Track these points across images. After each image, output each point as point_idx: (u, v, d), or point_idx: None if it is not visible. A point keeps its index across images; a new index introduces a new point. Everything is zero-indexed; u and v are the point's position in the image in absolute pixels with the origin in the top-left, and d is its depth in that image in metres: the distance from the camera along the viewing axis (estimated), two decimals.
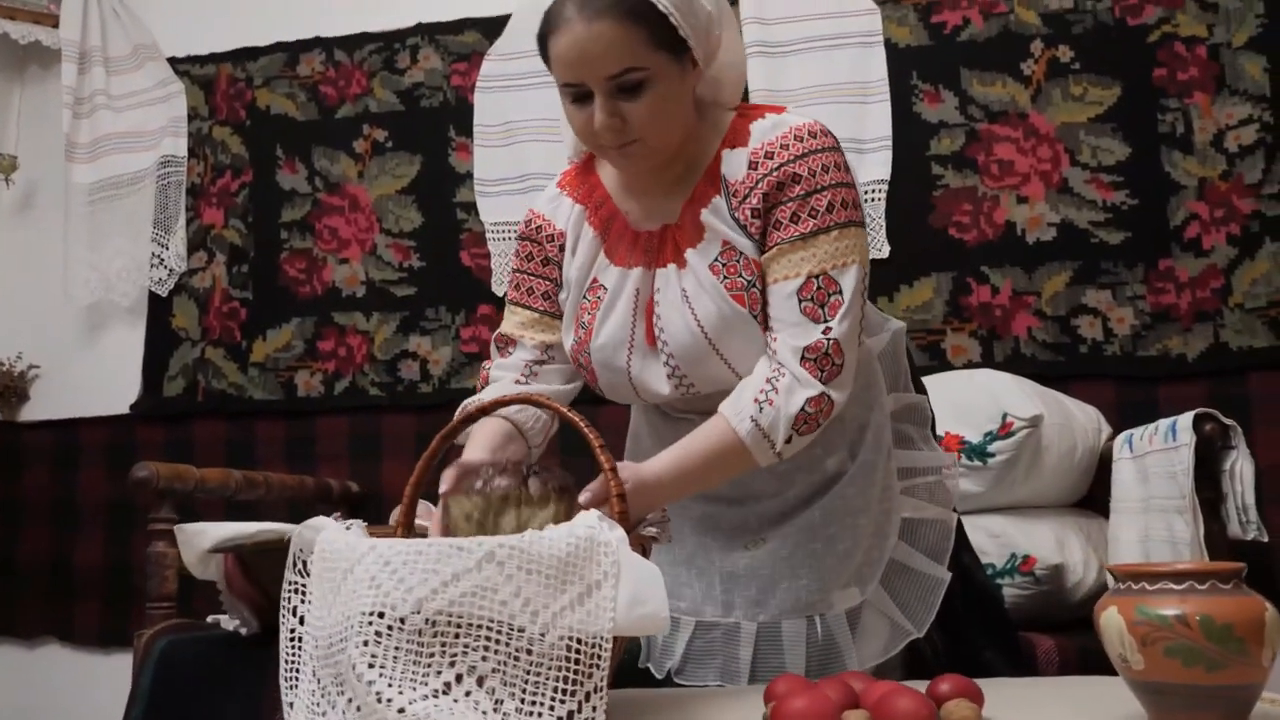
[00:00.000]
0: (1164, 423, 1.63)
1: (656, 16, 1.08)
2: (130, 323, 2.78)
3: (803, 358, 1.10)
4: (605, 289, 1.22)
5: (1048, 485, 1.86)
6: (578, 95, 1.12)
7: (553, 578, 0.90)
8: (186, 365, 2.73)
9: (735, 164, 1.17)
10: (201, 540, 1.68)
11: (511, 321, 1.30)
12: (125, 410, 2.73)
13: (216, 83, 2.82)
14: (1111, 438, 1.93)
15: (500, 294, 2.55)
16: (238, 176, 2.78)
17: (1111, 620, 0.90)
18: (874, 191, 2.38)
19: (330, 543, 0.95)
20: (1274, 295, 2.17)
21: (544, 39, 1.13)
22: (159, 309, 2.76)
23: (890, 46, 2.43)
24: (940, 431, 1.84)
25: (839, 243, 1.12)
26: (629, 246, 1.22)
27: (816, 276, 1.12)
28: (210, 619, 1.92)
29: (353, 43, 2.74)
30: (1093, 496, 1.98)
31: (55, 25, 2.81)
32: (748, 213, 1.15)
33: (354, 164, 2.71)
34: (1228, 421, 1.57)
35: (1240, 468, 1.53)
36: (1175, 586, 0.87)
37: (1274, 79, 2.24)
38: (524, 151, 2.58)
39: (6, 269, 2.90)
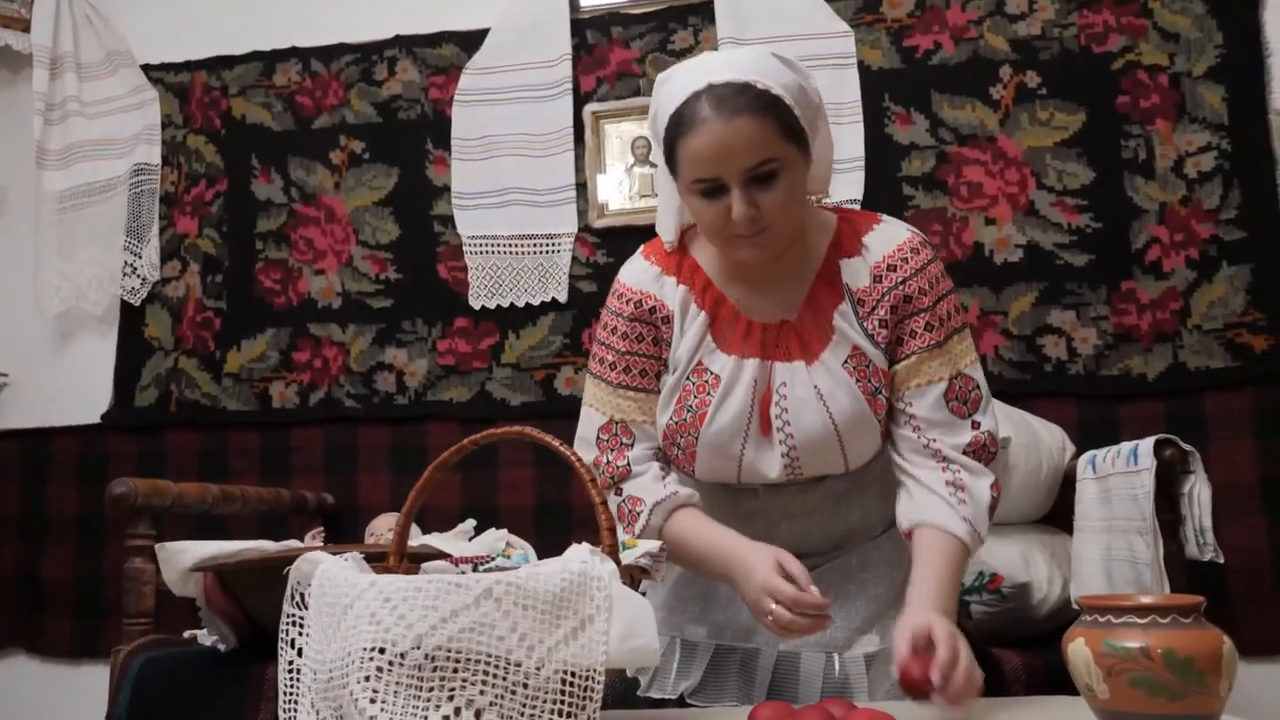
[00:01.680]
0: (1126, 446, 1.69)
1: (784, 109, 1.15)
2: (102, 332, 2.76)
3: (965, 452, 1.23)
4: (716, 375, 1.26)
5: (1014, 503, 1.91)
6: (710, 190, 1.17)
7: (547, 613, 0.92)
8: (159, 375, 2.71)
9: (855, 273, 1.26)
10: (183, 559, 1.68)
11: (628, 408, 1.30)
12: (96, 420, 2.71)
13: (191, 91, 2.81)
14: (1075, 456, 1.99)
15: (477, 307, 2.57)
16: (212, 185, 2.77)
17: (1079, 651, 0.95)
18: None
19: (329, 577, 0.97)
20: (1230, 318, 2.25)
21: (675, 140, 1.17)
22: (131, 318, 2.75)
23: (864, 69, 2.48)
24: None
25: (963, 343, 1.26)
26: (742, 336, 1.27)
27: (955, 378, 1.24)
28: (187, 634, 1.92)
29: (330, 53, 2.74)
30: (1056, 513, 2.04)
31: (26, 30, 2.78)
32: (875, 323, 1.25)
33: (330, 175, 2.71)
34: (1187, 447, 1.63)
35: (1198, 492, 1.59)
36: (1139, 620, 0.92)
37: (1232, 108, 2.31)
38: (501, 165, 2.60)
39: None
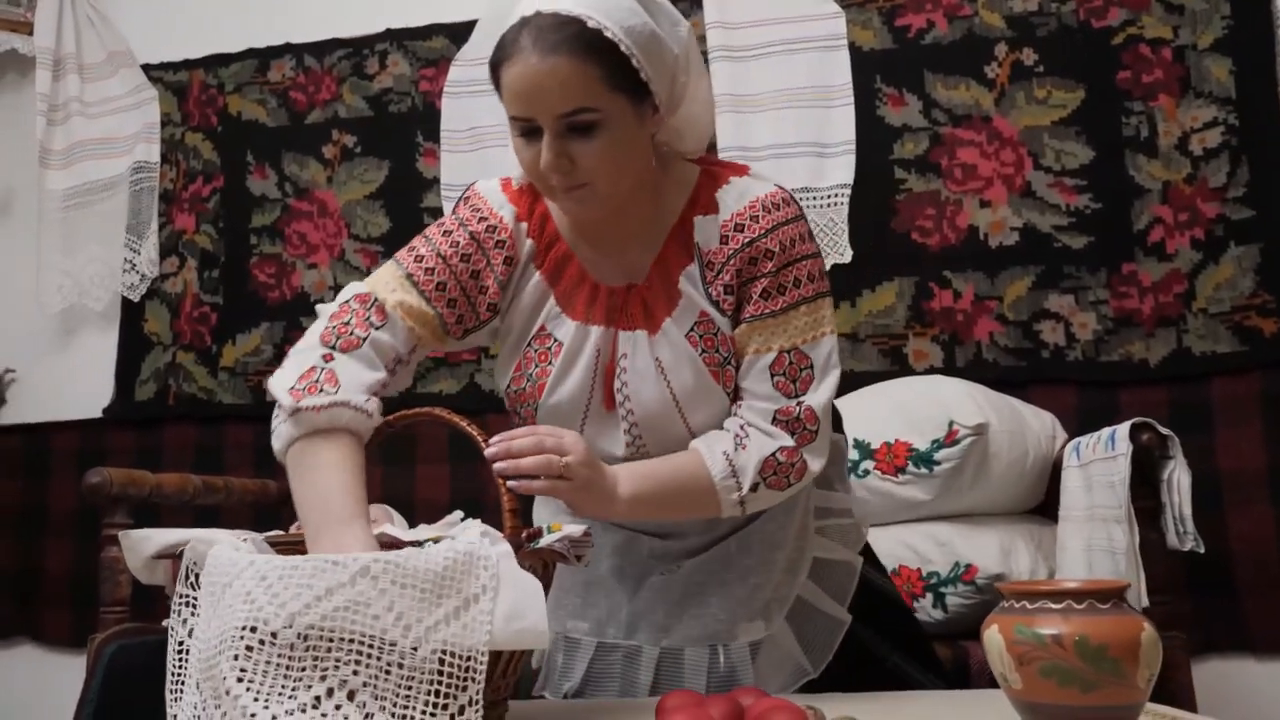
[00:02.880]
0: (1106, 431, 1.62)
1: (618, 56, 1.02)
2: (103, 328, 2.80)
3: (774, 419, 1.11)
4: (559, 343, 1.16)
5: (997, 493, 1.85)
6: (526, 130, 1.07)
7: (428, 591, 0.90)
8: (158, 370, 2.74)
9: (708, 233, 1.14)
10: (145, 546, 1.68)
11: (401, 300, 1.12)
12: (97, 414, 2.74)
13: (189, 89, 2.84)
14: (1066, 444, 1.91)
15: None
16: (209, 182, 2.79)
17: (992, 639, 0.90)
18: (837, 196, 2.37)
19: (216, 557, 0.95)
20: (1238, 300, 2.15)
21: (496, 66, 1.08)
22: (131, 314, 2.78)
23: (854, 50, 2.42)
24: (890, 438, 1.84)
25: (810, 316, 1.12)
26: (587, 300, 1.16)
27: (788, 351, 1.12)
28: (165, 623, 1.93)
29: (322, 49, 2.75)
30: (1049, 503, 1.97)
31: (30, 33, 2.83)
32: (720, 289, 1.13)
33: (323, 169, 2.71)
34: (1165, 431, 1.55)
35: (1178, 478, 1.51)
36: (1054, 606, 0.87)
37: (1239, 81, 2.21)
38: (491, 157, 2.57)
39: None
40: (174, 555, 1.70)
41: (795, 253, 1.13)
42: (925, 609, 1.72)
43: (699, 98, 1.18)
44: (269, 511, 2.48)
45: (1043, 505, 2.00)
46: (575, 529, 1.13)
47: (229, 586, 0.91)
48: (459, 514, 2.33)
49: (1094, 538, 1.61)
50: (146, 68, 2.85)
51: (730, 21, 2.46)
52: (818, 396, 1.12)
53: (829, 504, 1.26)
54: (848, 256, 2.35)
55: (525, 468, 1.03)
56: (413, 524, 2.51)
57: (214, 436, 2.68)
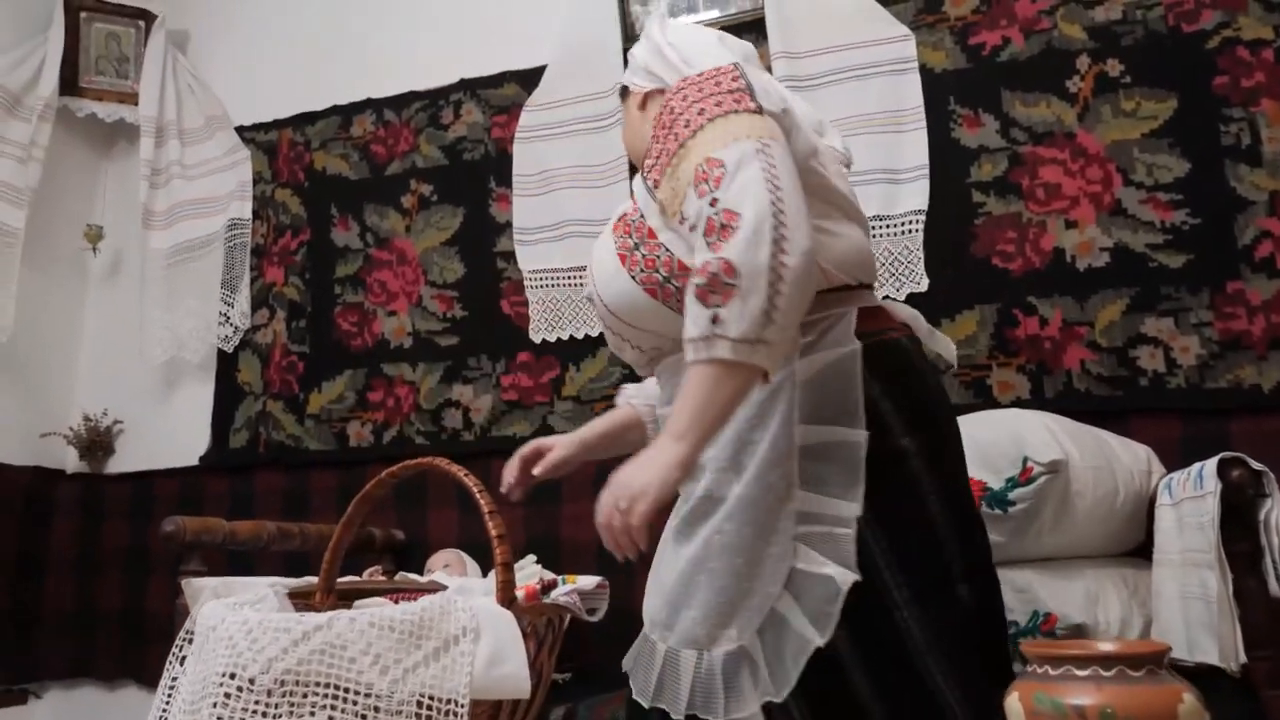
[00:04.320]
0: (1196, 467, 1.47)
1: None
2: (200, 378, 2.92)
3: (699, 250, 1.07)
4: None
5: (1084, 534, 1.70)
6: None
7: (406, 634, 0.87)
8: (250, 418, 2.84)
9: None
10: (206, 594, 1.72)
11: None
12: (195, 462, 2.85)
13: (278, 147, 2.96)
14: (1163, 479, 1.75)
15: (538, 341, 2.56)
16: (296, 235, 2.90)
17: (1012, 708, 0.81)
18: (911, 223, 2.27)
19: (210, 607, 0.94)
20: None
21: None
22: (226, 365, 2.89)
23: (926, 72, 2.33)
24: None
25: (714, 132, 1.10)
26: None
27: (699, 166, 1.10)
28: None
29: (401, 102, 2.83)
30: (1147, 545, 1.80)
31: (137, 104, 3.01)
32: (648, 167, 1.20)
33: (402, 219, 2.78)
34: (1258, 467, 1.39)
35: (1276, 518, 1.35)
36: (1079, 672, 0.77)
37: None
38: (560, 199, 2.59)
39: (97, 331, 3.10)
40: None
41: (695, 95, 1.15)
42: None
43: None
44: (348, 556, 2.51)
45: (1141, 546, 1.84)
46: (588, 581, 1.09)
47: (213, 630, 0.90)
48: (532, 557, 2.30)
49: (1188, 584, 1.46)
50: (240, 129, 3.00)
51: (795, 51, 2.41)
52: (730, 191, 1.06)
53: (819, 509, 1.12)
54: (924, 285, 2.24)
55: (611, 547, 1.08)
56: (487, 569, 2.50)
57: (300, 481, 2.75)
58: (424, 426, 2.64)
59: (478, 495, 0.98)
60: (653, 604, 1.16)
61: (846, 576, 1.09)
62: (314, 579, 1.96)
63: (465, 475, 1.00)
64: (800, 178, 1.10)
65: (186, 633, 0.98)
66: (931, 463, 1.16)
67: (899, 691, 1.09)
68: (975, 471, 1.70)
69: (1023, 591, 1.62)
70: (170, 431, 2.93)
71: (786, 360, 1.12)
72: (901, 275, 2.26)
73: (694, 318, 1.05)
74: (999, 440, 1.72)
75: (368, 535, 2.48)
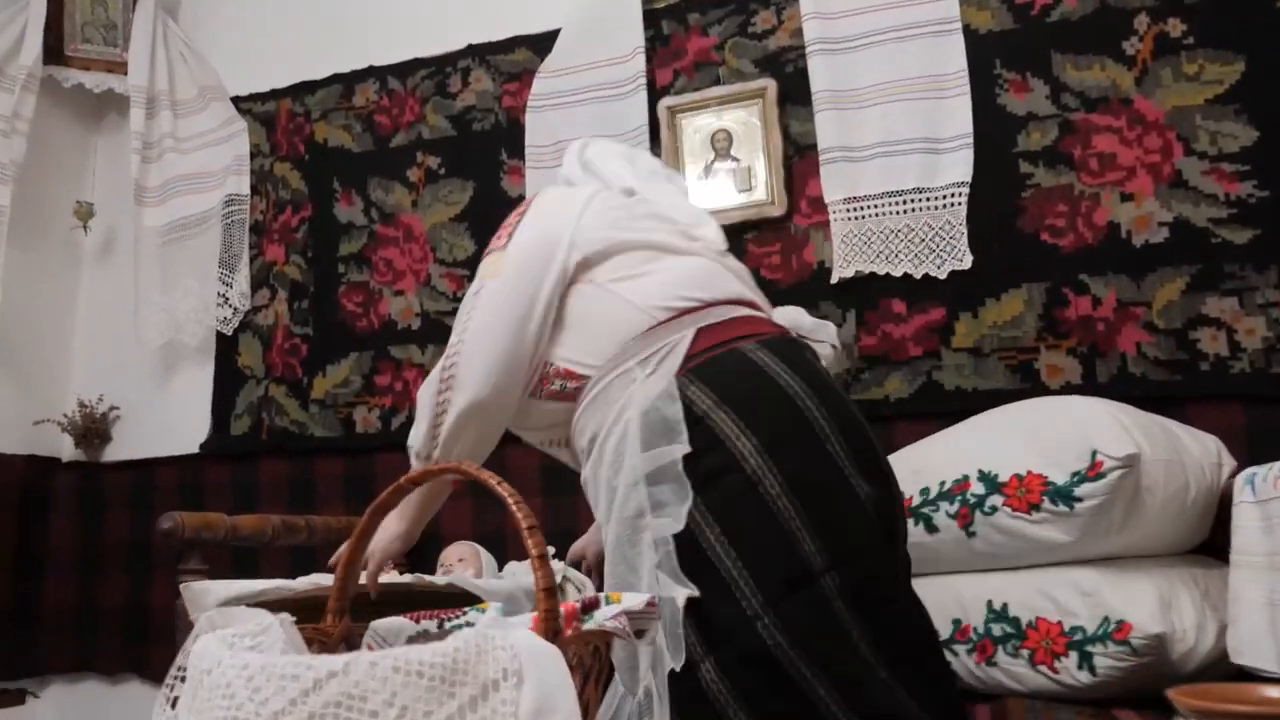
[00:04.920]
0: None
1: None
2: (199, 362, 2.79)
3: None
4: None
5: (1153, 532, 1.57)
6: None
7: (437, 680, 0.74)
8: (252, 404, 2.71)
9: None
10: (205, 599, 1.61)
11: None
12: (195, 450, 2.73)
13: (277, 118, 2.81)
14: (1236, 472, 1.62)
15: None
16: (297, 211, 2.76)
17: None
18: (953, 195, 2.13)
19: (206, 643, 0.81)
20: None
21: None
22: (225, 348, 2.76)
23: (969, 33, 2.18)
24: (1021, 470, 1.60)
25: (481, 269, 1.37)
26: None
27: None
28: None
29: (405, 69, 2.68)
30: (1216, 542, 1.68)
31: (126, 73, 2.85)
32: None
33: (408, 193, 2.64)
34: None
35: None
36: None
37: None
38: None
39: (91, 313, 2.97)
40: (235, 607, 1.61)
41: (500, 232, 1.39)
42: (1069, 670, 1.47)
43: None
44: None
45: (1205, 543, 1.72)
46: (635, 600, 0.97)
47: (208, 673, 0.78)
48: (551, 550, 2.18)
49: (1277, 590, 1.34)
50: (236, 100, 2.85)
51: (829, 11, 2.26)
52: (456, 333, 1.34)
53: (664, 532, 1.17)
54: (967, 262, 2.11)
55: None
56: (503, 561, 2.38)
57: (305, 469, 2.62)
58: None
59: (501, 490, 0.85)
60: None
61: (681, 596, 1.13)
62: (322, 578, 1.84)
63: (499, 485, 0.87)
64: (543, 287, 1.32)
65: (178, 669, 0.85)
66: (775, 461, 1.17)
67: (769, 700, 1.11)
68: (1034, 464, 1.59)
69: (1089, 595, 1.50)
70: (169, 418, 2.80)
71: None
72: (943, 251, 2.13)
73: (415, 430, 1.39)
74: (1060, 430, 1.60)
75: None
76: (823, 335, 1.46)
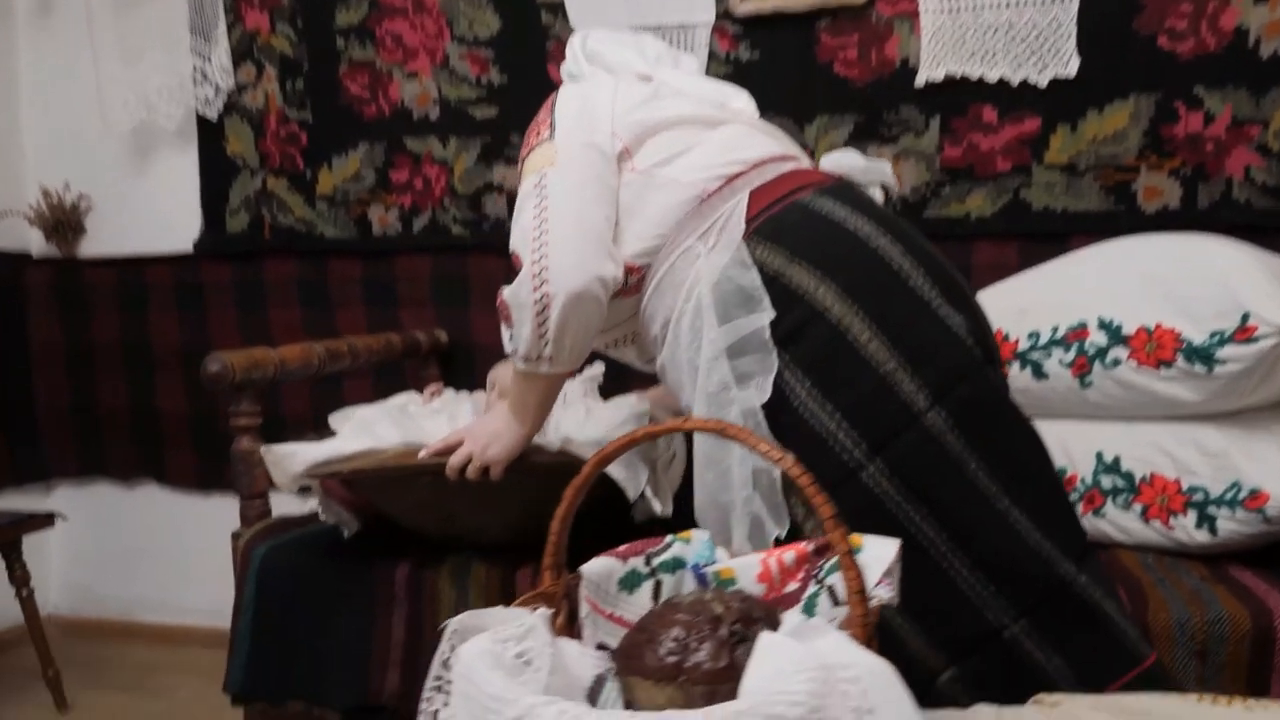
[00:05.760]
0: None
1: None
2: (180, 148, 2.48)
3: None
4: None
5: None
6: None
7: None
8: (248, 198, 2.44)
9: None
10: (291, 464, 1.49)
11: None
12: (188, 248, 2.49)
13: None
14: None
15: None
16: None
17: None
18: None
19: (479, 674, 0.70)
20: None
21: None
22: (210, 133, 2.45)
23: None
24: (1150, 322, 1.53)
25: (525, 169, 1.32)
26: None
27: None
28: (316, 511, 1.77)
29: None
30: None
31: None
32: None
33: None
34: None
35: None
36: None
37: None
38: None
39: (38, 88, 2.58)
40: (323, 476, 1.50)
41: (533, 126, 1.37)
42: (1185, 529, 1.48)
43: None
44: (392, 366, 2.27)
45: None
46: (884, 549, 0.87)
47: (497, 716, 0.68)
48: (600, 367, 2.06)
49: None
50: None
51: None
52: (514, 233, 1.29)
53: (753, 404, 1.17)
54: (1073, 68, 1.91)
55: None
56: (475, 373, 2.23)
57: (316, 271, 2.42)
58: (461, 214, 2.30)
59: (783, 463, 0.74)
60: None
61: (777, 468, 1.09)
62: (381, 421, 1.72)
63: (778, 457, 0.75)
64: (601, 165, 1.29)
65: (437, 680, 0.75)
66: (859, 305, 1.15)
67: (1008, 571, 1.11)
68: (1166, 317, 1.51)
69: (1214, 456, 1.48)
70: (151, 211, 2.53)
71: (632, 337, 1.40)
72: (1046, 55, 1.92)
73: (503, 334, 1.33)
74: (1200, 282, 1.50)
75: (413, 341, 2.22)
76: (874, 177, 1.43)
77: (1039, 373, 1.63)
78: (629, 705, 0.77)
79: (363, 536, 1.65)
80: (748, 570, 0.88)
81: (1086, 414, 1.62)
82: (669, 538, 0.95)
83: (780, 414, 1.15)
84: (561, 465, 1.41)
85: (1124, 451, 1.57)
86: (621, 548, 0.95)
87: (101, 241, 2.58)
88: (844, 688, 0.66)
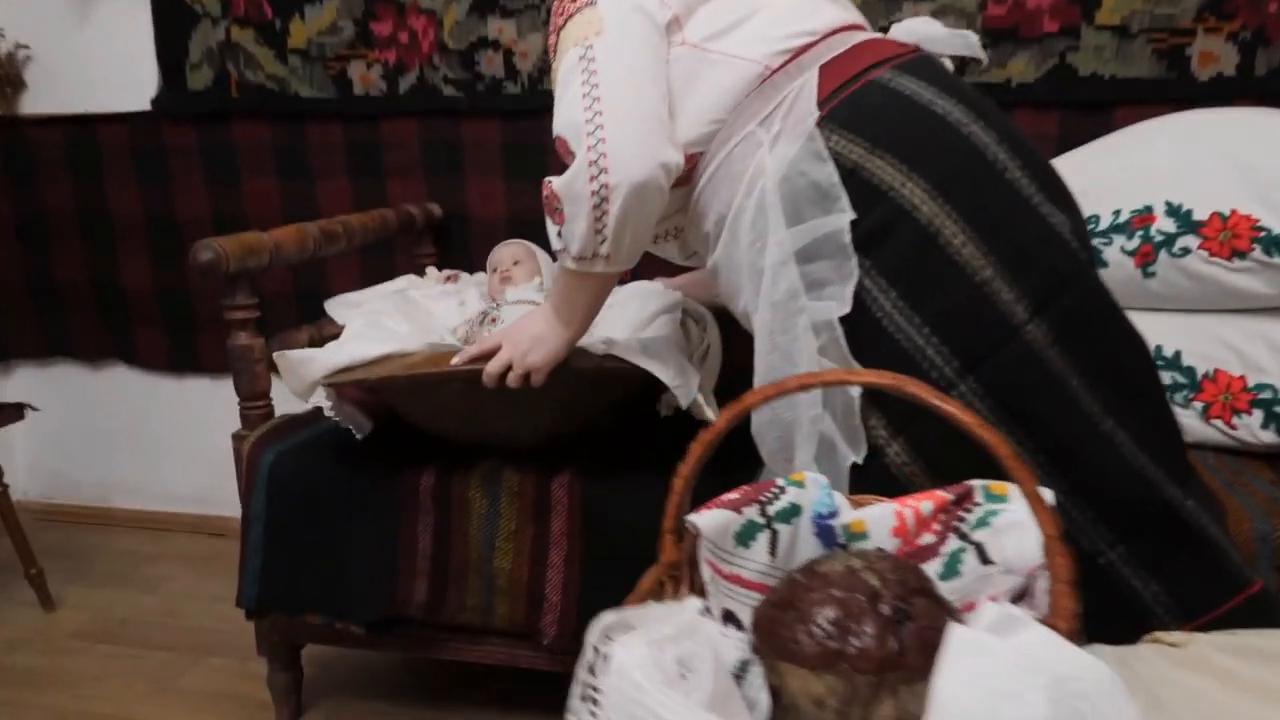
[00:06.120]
0: None
1: None
2: None
3: None
4: None
5: None
6: None
7: None
8: (210, 51, 2.19)
9: None
10: (309, 370, 1.36)
11: None
12: (145, 106, 2.24)
13: None
14: None
15: None
16: None
17: None
18: None
19: (648, 695, 0.60)
20: None
21: None
22: None
23: None
24: (1225, 208, 1.44)
25: (563, 42, 1.15)
26: None
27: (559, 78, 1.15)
28: (323, 407, 1.64)
29: None
30: None
31: None
32: None
33: None
34: None
35: None
36: None
37: None
38: None
39: None
40: (345, 384, 1.37)
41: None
42: (1250, 428, 1.43)
43: None
44: (389, 243, 2.10)
45: None
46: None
47: None
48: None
49: None
50: None
51: None
52: (558, 114, 1.13)
53: (826, 315, 1.06)
54: None
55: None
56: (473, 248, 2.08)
57: (293, 135, 2.21)
58: (452, 73, 2.09)
59: (973, 426, 0.65)
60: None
61: (855, 389, 1.04)
62: (391, 315, 1.59)
63: (941, 402, 0.65)
64: (654, 34, 1.12)
65: (587, 689, 0.65)
66: (951, 203, 1.02)
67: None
68: (1243, 203, 1.42)
69: None
70: (101, 63, 2.26)
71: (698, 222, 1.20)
72: None
73: (549, 229, 1.18)
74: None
75: (407, 216, 2.05)
76: (955, 49, 1.24)
77: (1097, 261, 1.54)
78: (776, 692, 0.69)
79: (377, 438, 1.53)
80: (881, 524, 0.80)
81: (1147, 305, 1.54)
82: (780, 482, 0.86)
83: (859, 327, 1.04)
84: (607, 371, 1.31)
85: (1185, 346, 1.50)
86: (731, 495, 0.85)
87: (46, 98, 2.32)
88: (1074, 704, 0.58)
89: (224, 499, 2.40)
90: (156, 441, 2.49)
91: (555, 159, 1.18)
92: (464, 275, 1.97)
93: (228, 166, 2.25)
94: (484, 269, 2.04)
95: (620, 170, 1.08)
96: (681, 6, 1.15)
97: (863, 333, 1.04)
